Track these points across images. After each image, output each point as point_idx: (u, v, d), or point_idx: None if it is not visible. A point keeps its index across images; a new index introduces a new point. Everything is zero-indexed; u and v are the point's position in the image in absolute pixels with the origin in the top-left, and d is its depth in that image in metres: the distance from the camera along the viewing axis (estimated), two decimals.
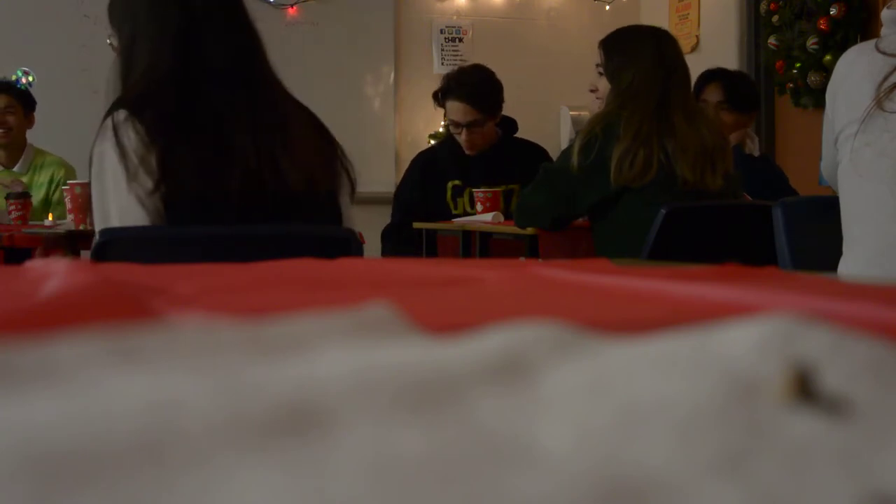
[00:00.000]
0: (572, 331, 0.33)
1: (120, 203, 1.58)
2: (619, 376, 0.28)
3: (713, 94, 3.22)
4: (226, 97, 1.63)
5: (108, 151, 1.58)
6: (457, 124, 3.42)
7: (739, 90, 3.30)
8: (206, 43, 1.66)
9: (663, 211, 2.26)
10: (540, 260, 1.00)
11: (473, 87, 3.40)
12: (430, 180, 3.52)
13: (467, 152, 3.47)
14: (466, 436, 0.23)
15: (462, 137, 3.43)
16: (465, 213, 3.44)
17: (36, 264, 0.70)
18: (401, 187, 3.66)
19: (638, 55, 2.45)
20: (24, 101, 3.77)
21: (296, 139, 1.69)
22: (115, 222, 1.58)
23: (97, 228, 1.61)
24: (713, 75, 3.33)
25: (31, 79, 4.20)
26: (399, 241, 3.53)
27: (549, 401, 0.26)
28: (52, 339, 0.31)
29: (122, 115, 1.58)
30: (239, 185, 1.59)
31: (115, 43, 1.77)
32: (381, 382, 0.26)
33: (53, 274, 0.57)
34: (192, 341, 0.32)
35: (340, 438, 0.22)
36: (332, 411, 0.24)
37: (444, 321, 0.43)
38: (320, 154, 1.75)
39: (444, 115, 3.60)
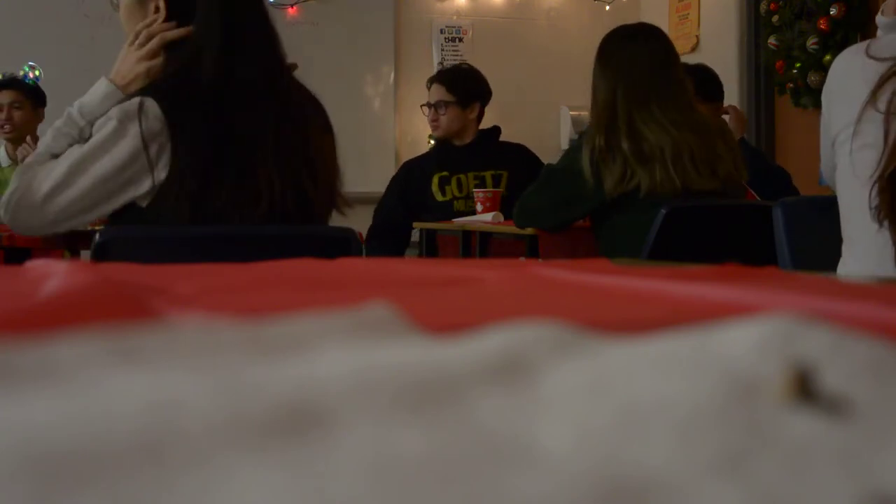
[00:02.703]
0: (572, 331, 0.33)
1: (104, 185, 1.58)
2: (619, 376, 0.28)
3: None
4: (255, 124, 1.63)
5: (131, 138, 1.58)
6: (428, 105, 3.69)
7: (706, 80, 3.34)
8: (239, 62, 1.66)
9: (663, 211, 2.25)
10: (540, 260, 1.00)
11: (448, 72, 3.80)
12: (412, 181, 3.69)
13: (433, 134, 3.73)
14: (466, 436, 0.23)
15: (429, 119, 3.70)
16: (454, 198, 3.59)
17: (36, 264, 0.71)
18: (385, 192, 3.84)
19: (612, 62, 2.49)
20: (32, 96, 3.74)
21: (319, 163, 1.71)
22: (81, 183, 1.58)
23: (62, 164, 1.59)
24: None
25: (38, 73, 4.17)
26: (380, 243, 3.62)
27: (549, 401, 0.26)
28: (52, 339, 0.31)
29: (156, 122, 1.58)
30: (265, 221, 1.60)
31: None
32: (381, 382, 0.26)
33: (53, 274, 0.57)
34: (192, 341, 0.32)
35: (340, 438, 0.22)
36: (331, 411, 0.24)
37: (443, 321, 0.43)
38: (336, 168, 1.78)
39: None
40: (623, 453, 0.22)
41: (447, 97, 3.63)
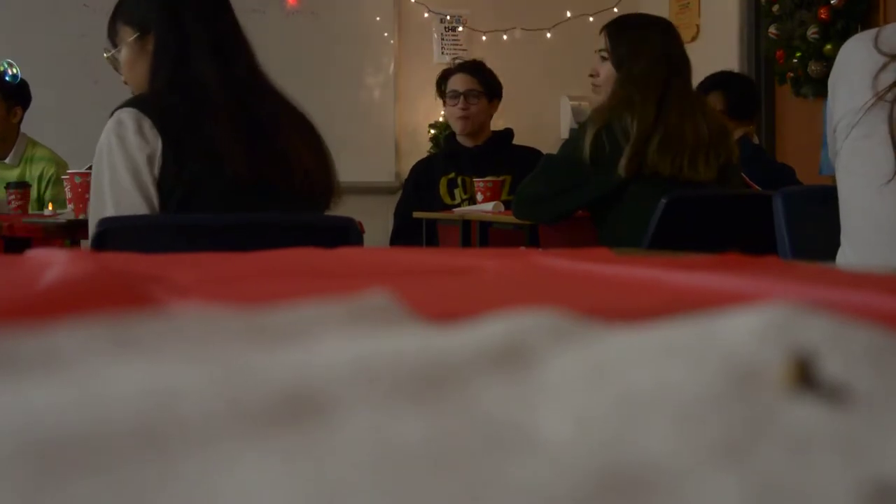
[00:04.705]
0: (572, 319, 0.33)
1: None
2: (620, 364, 0.28)
3: (714, 103, 3.20)
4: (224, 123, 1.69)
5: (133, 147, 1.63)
6: (456, 94, 3.56)
7: (741, 99, 3.31)
8: (197, 64, 1.73)
9: (664, 201, 2.25)
10: (540, 249, 0.99)
11: (473, 64, 3.68)
12: (423, 182, 3.65)
13: (459, 129, 3.60)
14: (466, 424, 0.23)
15: (458, 108, 3.55)
16: (462, 200, 3.56)
17: (36, 253, 0.70)
18: (400, 195, 3.82)
19: (647, 45, 2.45)
20: (3, 93, 3.68)
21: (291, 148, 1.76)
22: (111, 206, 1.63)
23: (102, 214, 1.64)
24: (716, 83, 3.33)
25: (15, 71, 4.14)
26: (404, 243, 3.61)
27: (549, 389, 0.26)
28: (52, 327, 0.31)
29: (146, 123, 1.63)
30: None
31: (121, 51, 1.81)
32: (381, 370, 0.26)
33: (53, 263, 0.57)
34: (192, 329, 0.32)
35: (340, 426, 0.22)
36: (331, 399, 0.24)
37: (443, 309, 0.43)
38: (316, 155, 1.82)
39: (444, 104, 3.72)
40: (623, 441, 0.22)
41: (475, 86, 3.53)
